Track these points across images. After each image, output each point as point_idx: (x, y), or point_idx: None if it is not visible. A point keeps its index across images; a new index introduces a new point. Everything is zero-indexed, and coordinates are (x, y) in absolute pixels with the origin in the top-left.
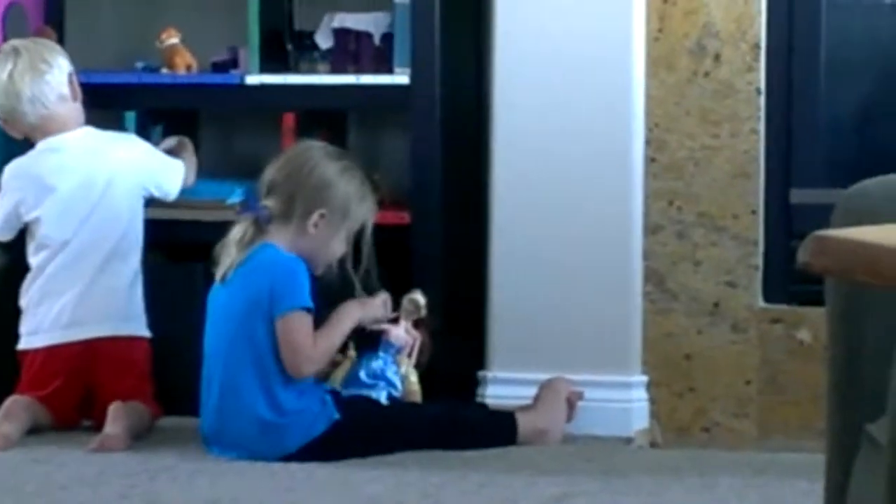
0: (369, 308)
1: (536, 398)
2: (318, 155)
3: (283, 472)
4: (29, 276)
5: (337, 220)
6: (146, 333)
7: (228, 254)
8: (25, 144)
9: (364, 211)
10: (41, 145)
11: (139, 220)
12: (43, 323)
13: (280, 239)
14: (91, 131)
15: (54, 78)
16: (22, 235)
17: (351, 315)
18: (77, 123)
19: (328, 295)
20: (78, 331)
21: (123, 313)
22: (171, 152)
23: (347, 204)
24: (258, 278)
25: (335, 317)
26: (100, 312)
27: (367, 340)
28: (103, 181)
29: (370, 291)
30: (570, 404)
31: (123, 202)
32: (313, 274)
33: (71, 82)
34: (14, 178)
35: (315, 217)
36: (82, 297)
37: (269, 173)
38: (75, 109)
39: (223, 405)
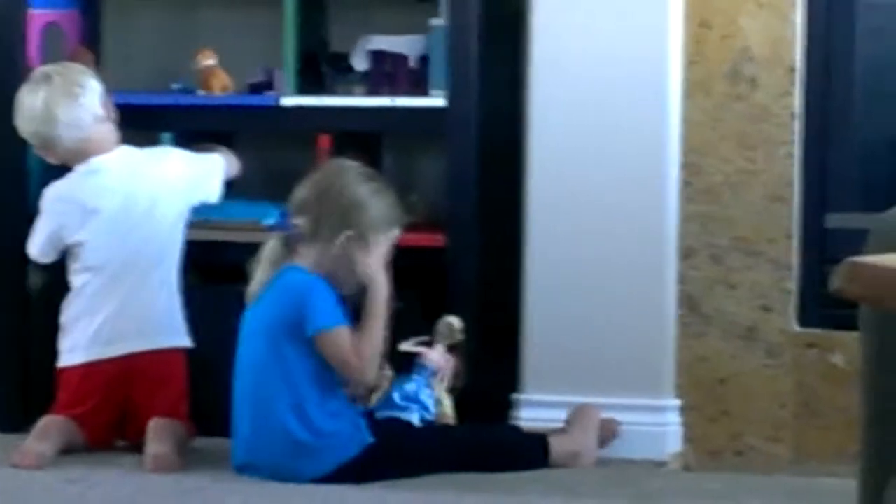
0: (378, 294)
1: (568, 422)
2: (349, 176)
3: (315, 494)
4: (70, 296)
5: (364, 242)
6: (185, 344)
7: (258, 273)
8: (54, 169)
9: (392, 232)
10: (81, 167)
11: (179, 232)
12: (82, 339)
13: (307, 258)
14: (128, 150)
15: (88, 100)
16: (61, 254)
17: (378, 307)
18: (113, 143)
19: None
20: (117, 346)
21: (162, 326)
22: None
23: (376, 226)
24: (283, 301)
25: (365, 318)
26: (138, 327)
27: (401, 363)
28: (146, 200)
29: None
30: (607, 431)
31: (166, 219)
32: (341, 294)
33: (104, 102)
34: (56, 202)
35: (342, 238)
36: (121, 312)
37: (300, 192)
38: (110, 130)
39: (255, 427)
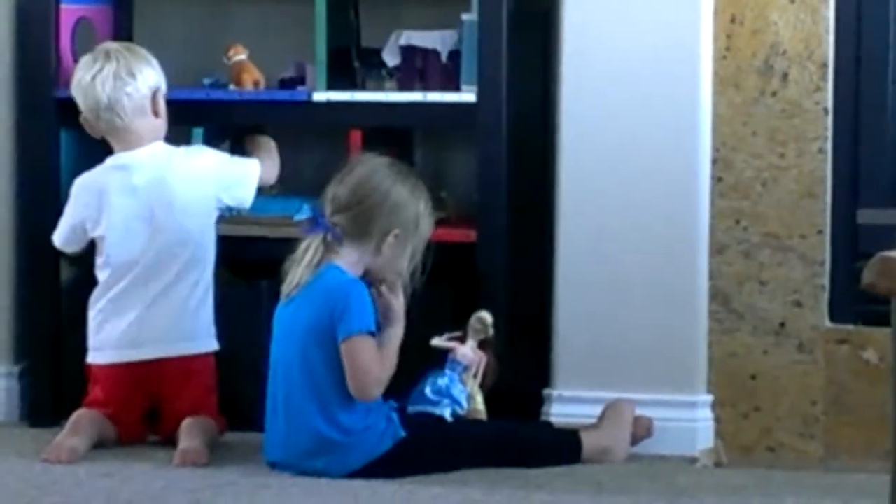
0: (395, 314)
1: (601, 417)
2: (388, 176)
3: (347, 489)
4: (96, 291)
5: (407, 238)
6: (213, 348)
7: (295, 272)
8: (90, 156)
9: (429, 226)
10: (111, 161)
11: (211, 234)
12: (109, 340)
13: (348, 258)
14: (162, 147)
15: (135, 91)
16: (90, 247)
17: (394, 332)
18: (153, 139)
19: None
20: (143, 351)
21: (190, 332)
22: (247, 153)
23: (417, 222)
24: (320, 301)
25: (384, 340)
26: (165, 332)
27: (433, 358)
28: (172, 200)
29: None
30: (640, 429)
31: (194, 220)
32: (371, 290)
33: (155, 98)
34: (82, 193)
35: (391, 238)
36: (148, 316)
37: (339, 191)
38: (154, 126)
39: (287, 424)
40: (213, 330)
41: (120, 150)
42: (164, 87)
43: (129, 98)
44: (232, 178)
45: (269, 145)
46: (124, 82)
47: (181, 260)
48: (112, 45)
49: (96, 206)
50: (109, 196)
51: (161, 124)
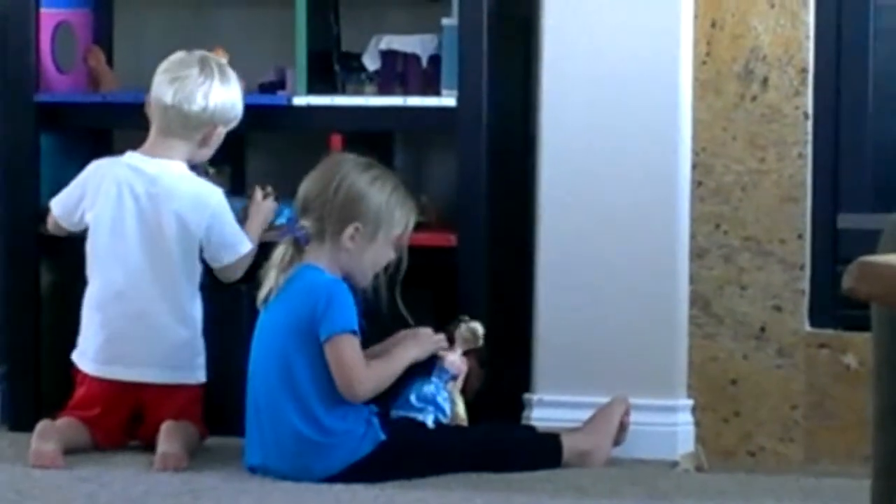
0: (424, 344)
1: (590, 419)
2: (346, 168)
3: (327, 492)
4: (87, 267)
5: (372, 231)
6: (198, 380)
7: (269, 277)
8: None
9: (401, 216)
10: (129, 157)
11: (193, 269)
12: (90, 349)
13: (320, 258)
14: (178, 169)
15: (196, 114)
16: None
17: (408, 354)
18: (180, 159)
19: (368, 311)
20: (122, 370)
21: (174, 362)
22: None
23: (380, 213)
24: (299, 301)
25: (393, 352)
26: (146, 356)
27: (420, 364)
28: (161, 223)
29: (395, 305)
30: (622, 426)
31: (177, 250)
32: (356, 289)
33: (209, 133)
34: (92, 172)
35: (349, 231)
36: (127, 335)
37: (302, 192)
38: (193, 151)
39: (267, 428)
40: (201, 362)
41: (146, 149)
42: (227, 126)
43: (187, 116)
44: (222, 237)
45: (268, 209)
46: (188, 102)
47: (161, 284)
48: (212, 60)
49: (97, 189)
50: (111, 187)
51: (201, 154)
